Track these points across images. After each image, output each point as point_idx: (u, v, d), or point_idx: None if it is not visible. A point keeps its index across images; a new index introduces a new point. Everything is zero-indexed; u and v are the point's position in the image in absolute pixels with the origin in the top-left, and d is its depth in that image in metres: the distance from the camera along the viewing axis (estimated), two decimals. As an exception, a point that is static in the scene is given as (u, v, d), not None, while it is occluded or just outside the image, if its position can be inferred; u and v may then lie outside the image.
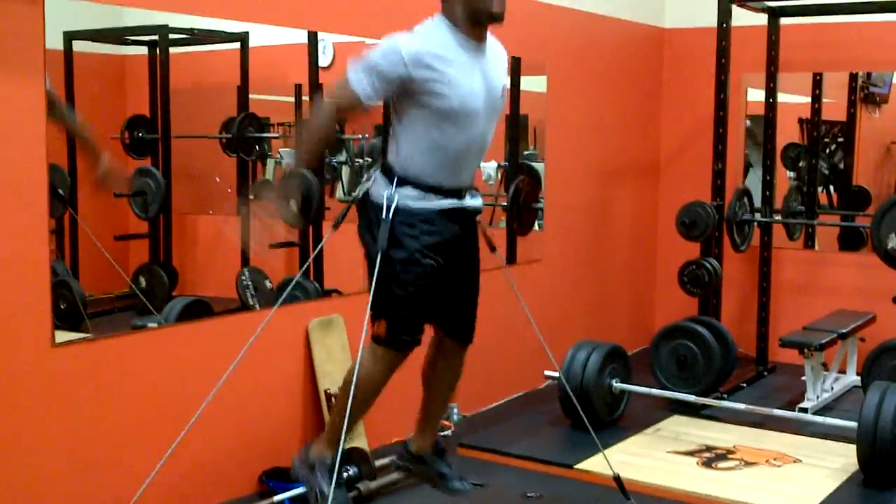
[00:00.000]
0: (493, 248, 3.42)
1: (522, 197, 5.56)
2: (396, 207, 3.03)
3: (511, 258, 5.56)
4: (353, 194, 3.22)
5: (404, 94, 3.00)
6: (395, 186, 3.04)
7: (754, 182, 6.41)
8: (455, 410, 4.93)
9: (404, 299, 3.06)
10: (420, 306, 3.10)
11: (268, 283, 4.95)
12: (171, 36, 4.69)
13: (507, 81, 3.27)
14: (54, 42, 3.98)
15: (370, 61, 2.98)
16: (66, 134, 3.87)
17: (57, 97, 3.58)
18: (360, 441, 4.26)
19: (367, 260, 3.13)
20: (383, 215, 3.02)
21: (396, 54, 2.94)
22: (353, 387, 3.04)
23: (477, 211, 3.24)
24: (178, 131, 5.04)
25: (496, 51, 3.20)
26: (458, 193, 3.12)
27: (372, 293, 3.02)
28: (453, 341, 3.31)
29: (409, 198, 3.04)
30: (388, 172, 3.09)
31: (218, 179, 5.58)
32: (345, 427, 3.05)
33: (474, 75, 3.04)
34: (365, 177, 3.20)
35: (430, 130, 3.01)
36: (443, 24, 3.04)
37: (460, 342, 3.31)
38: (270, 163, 5.70)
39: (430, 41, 2.99)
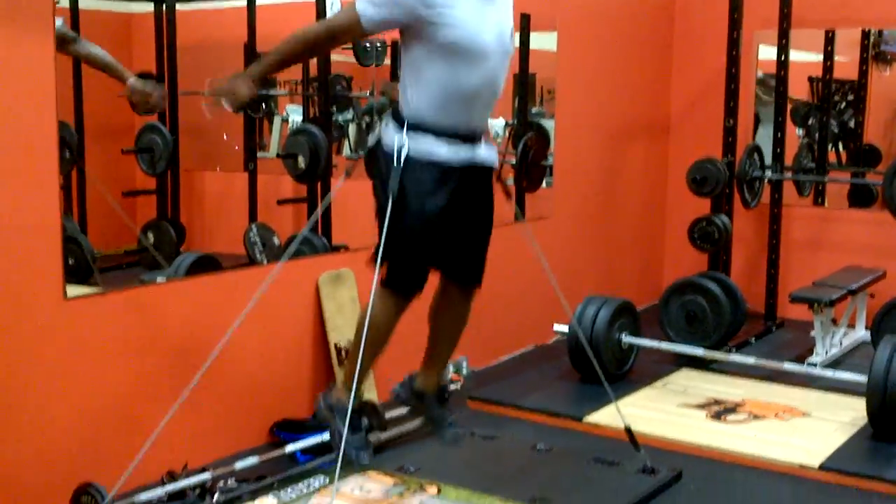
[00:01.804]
0: (509, 196, 3.41)
1: (531, 154, 5.53)
2: (407, 155, 2.99)
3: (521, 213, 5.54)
4: (367, 143, 3.18)
5: (413, 34, 2.96)
6: (407, 131, 3.00)
7: (764, 140, 6.37)
8: (465, 364, 4.94)
9: (409, 246, 3.05)
10: (424, 254, 3.09)
11: (275, 240, 4.94)
12: (178, -9, 4.66)
13: (513, 25, 3.22)
14: (61, -1, 3.96)
15: None
16: (89, 65, 3.87)
17: (70, 32, 3.56)
18: (371, 394, 4.27)
19: (376, 206, 3.11)
20: (394, 163, 2.99)
21: None
22: (364, 327, 3.04)
23: (491, 167, 3.20)
24: (185, 88, 5.02)
25: None
26: (471, 138, 3.08)
27: (382, 239, 2.99)
28: (459, 286, 3.27)
29: (421, 144, 3.00)
30: (399, 117, 3.05)
31: (225, 136, 5.57)
32: (358, 368, 3.06)
33: (483, 13, 3.00)
34: (377, 124, 3.15)
35: (441, 69, 2.95)
36: None
37: (466, 285, 3.27)
38: (277, 120, 5.69)
39: None
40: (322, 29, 3.07)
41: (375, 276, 3.03)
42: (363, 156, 3.23)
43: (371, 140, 3.14)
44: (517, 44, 3.16)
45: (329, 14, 4.80)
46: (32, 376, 3.25)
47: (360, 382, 3.17)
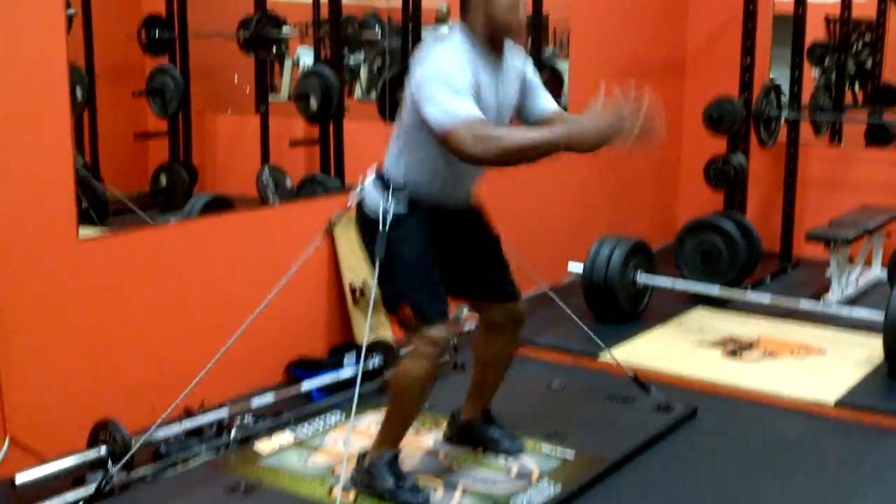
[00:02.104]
0: None
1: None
2: (393, 218, 2.91)
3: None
4: (349, 203, 3.09)
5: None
6: (391, 196, 2.92)
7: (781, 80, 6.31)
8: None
9: (417, 278, 2.94)
10: (436, 279, 2.98)
11: (288, 181, 4.93)
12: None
13: (530, 73, 3.10)
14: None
15: (442, 82, 2.75)
16: None
17: None
18: (386, 332, 4.28)
19: (370, 262, 3.04)
20: (378, 227, 2.92)
21: (463, 70, 2.77)
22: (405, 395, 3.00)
23: (476, 210, 3.16)
24: (196, 30, 4.98)
25: (514, 57, 3.03)
26: (455, 208, 3.05)
27: (382, 294, 2.95)
28: (499, 305, 3.21)
29: (404, 206, 2.93)
30: (384, 180, 2.96)
31: (236, 78, 5.53)
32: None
33: (491, 96, 2.89)
34: (360, 181, 3.06)
35: (441, 150, 2.82)
36: (466, 42, 2.87)
37: (506, 300, 3.21)
38: (288, 63, 5.65)
39: (467, 56, 2.83)
40: (485, 132, 2.74)
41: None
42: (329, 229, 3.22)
43: (351, 199, 3.05)
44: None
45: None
46: (48, 316, 3.26)
47: (401, 437, 3.09)
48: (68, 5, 3.48)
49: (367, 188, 3.00)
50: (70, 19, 3.76)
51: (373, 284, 2.96)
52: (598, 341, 3.93)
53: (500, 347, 3.29)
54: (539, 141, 2.76)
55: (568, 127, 2.86)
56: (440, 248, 3.00)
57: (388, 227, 2.91)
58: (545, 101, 3.13)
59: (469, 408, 3.39)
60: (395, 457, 3.03)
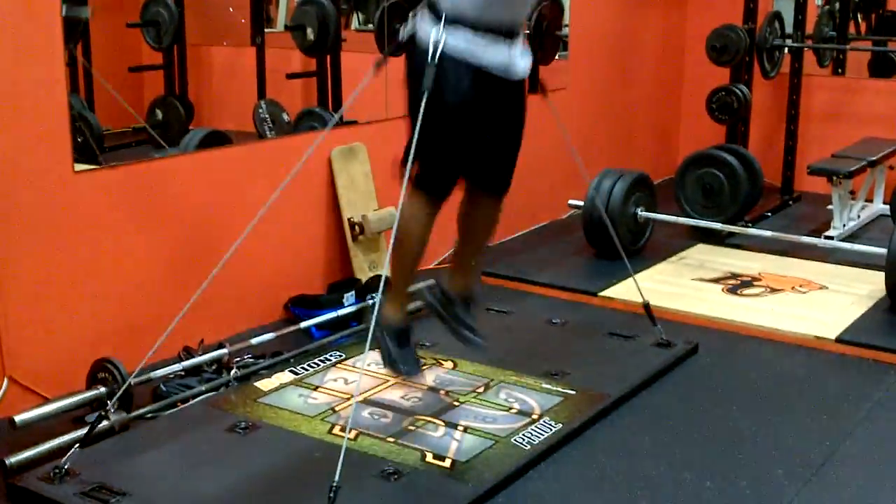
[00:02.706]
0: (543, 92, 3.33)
1: (546, 25, 5.38)
2: (443, 52, 2.82)
3: (534, 87, 5.42)
4: (400, 37, 2.97)
5: None
6: (445, 25, 2.82)
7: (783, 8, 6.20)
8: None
9: (443, 144, 2.91)
10: (457, 154, 2.97)
11: (285, 116, 4.86)
12: None
13: None
14: None
15: None
16: None
17: None
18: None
19: (408, 103, 2.94)
20: (428, 58, 2.83)
21: None
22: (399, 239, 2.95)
23: (524, 77, 3.05)
24: (189, -41, 4.87)
25: None
26: (509, 34, 2.92)
27: (415, 138, 2.84)
28: (487, 193, 3.18)
29: (459, 41, 2.84)
30: (436, 10, 2.86)
31: (231, 9, 5.43)
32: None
33: None
34: (410, 16, 2.97)
35: None
36: None
37: (495, 194, 3.18)
38: (283, -8, 5.53)
39: None
40: None
41: (405, 182, 2.86)
42: (391, 52, 3.05)
43: (403, 34, 2.95)
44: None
45: None
46: (45, 251, 3.23)
47: (404, 295, 3.11)
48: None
49: (419, 21, 2.91)
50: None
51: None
52: (628, 265, 3.84)
53: (480, 219, 3.24)
54: None
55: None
56: (476, 108, 2.93)
57: (438, 59, 2.82)
58: None
59: (451, 281, 3.31)
60: (401, 322, 3.09)
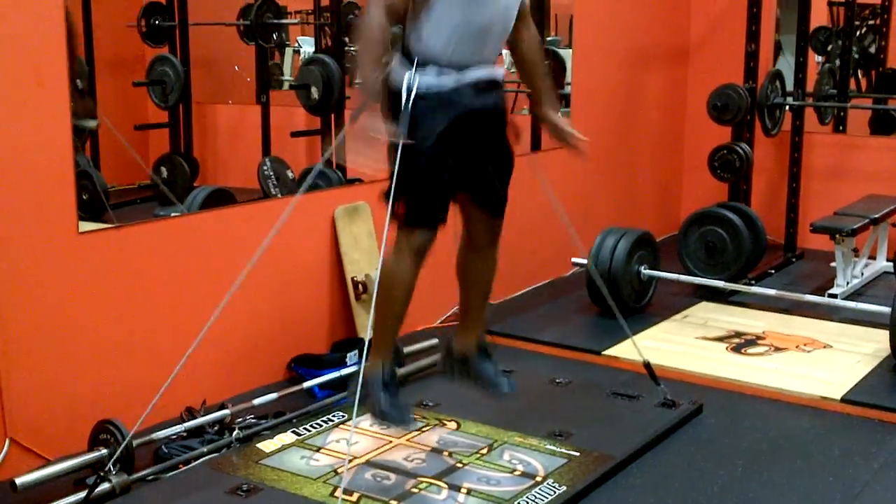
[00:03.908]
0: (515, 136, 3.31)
1: (548, 83, 5.42)
2: (417, 92, 2.89)
3: (536, 145, 5.46)
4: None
5: None
6: (416, 68, 2.90)
7: (784, 69, 6.25)
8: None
9: (424, 174, 2.93)
10: (441, 181, 2.97)
11: (289, 173, 4.89)
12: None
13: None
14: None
15: None
16: None
17: None
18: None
19: (387, 147, 2.96)
20: (402, 99, 2.89)
21: None
22: (384, 287, 2.98)
23: (499, 82, 3.08)
24: (196, 18, 4.94)
25: None
26: (482, 68, 2.98)
27: (393, 180, 2.88)
28: (483, 215, 3.17)
29: (430, 78, 2.91)
30: (408, 55, 2.95)
31: (237, 68, 5.49)
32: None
33: None
34: (384, 61, 3.03)
35: (452, 10, 2.87)
36: None
37: (490, 212, 3.17)
38: (288, 51, 5.60)
39: None
40: (380, 14, 2.84)
41: (385, 230, 2.89)
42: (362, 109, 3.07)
43: (377, 79, 2.96)
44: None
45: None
46: (48, 311, 3.23)
47: (389, 346, 3.09)
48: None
49: (393, 66, 2.97)
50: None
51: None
52: (626, 327, 3.85)
53: (480, 265, 3.24)
54: (361, 70, 2.87)
55: (372, 103, 2.87)
56: (457, 137, 2.96)
57: (412, 100, 2.88)
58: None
59: (462, 337, 3.30)
60: (388, 374, 3.03)
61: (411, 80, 2.89)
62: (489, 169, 3.12)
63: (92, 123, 4.34)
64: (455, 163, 2.99)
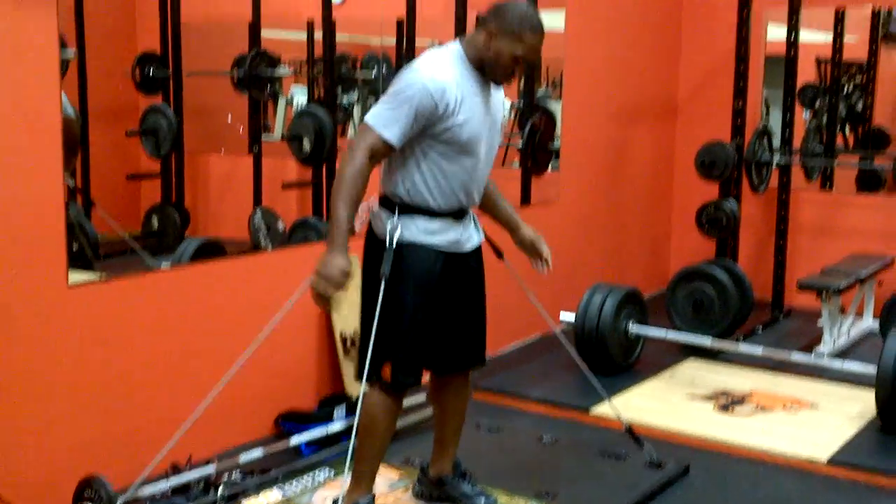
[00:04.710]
0: (499, 255, 3.35)
1: (538, 137, 5.48)
2: (401, 240, 2.95)
3: (525, 199, 5.50)
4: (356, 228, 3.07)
5: (425, 126, 2.90)
6: (398, 216, 2.96)
7: (771, 123, 6.32)
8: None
9: (410, 336, 2.98)
10: (423, 343, 3.03)
11: (280, 225, 4.90)
12: (183, -30, 4.59)
13: (504, 120, 3.24)
14: (64, -23, 3.89)
15: (398, 102, 2.86)
16: None
17: None
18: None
19: (365, 295, 3.04)
20: (386, 245, 2.95)
21: (426, 94, 2.84)
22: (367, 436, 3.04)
23: (477, 249, 3.17)
24: (190, 68, 4.96)
25: (497, 91, 3.12)
26: (461, 215, 3.05)
27: (374, 333, 2.91)
28: (461, 371, 3.26)
29: (413, 229, 2.97)
30: (389, 204, 3.00)
31: (230, 118, 5.51)
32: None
33: (484, 111, 2.99)
34: (365, 209, 3.07)
35: (435, 161, 2.94)
36: (462, 62, 2.95)
37: (472, 368, 3.27)
38: (282, 101, 5.63)
39: (455, 77, 2.91)
40: (363, 158, 2.85)
41: (364, 379, 2.94)
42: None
43: (358, 225, 3.04)
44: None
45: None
46: (35, 366, 3.22)
47: (372, 476, 3.12)
48: (63, 45, 3.45)
49: (374, 211, 3.03)
50: (66, 63, 3.74)
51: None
52: (601, 390, 3.87)
53: (455, 396, 3.30)
54: (335, 214, 2.86)
55: (342, 245, 2.88)
56: (438, 291, 3.02)
57: (394, 246, 2.94)
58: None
59: (437, 462, 3.35)
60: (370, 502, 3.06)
61: (395, 227, 2.95)
62: (468, 328, 3.18)
63: (68, 52, 4.24)
64: (436, 322, 3.03)
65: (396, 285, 2.94)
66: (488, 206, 3.29)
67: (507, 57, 2.91)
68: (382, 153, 2.89)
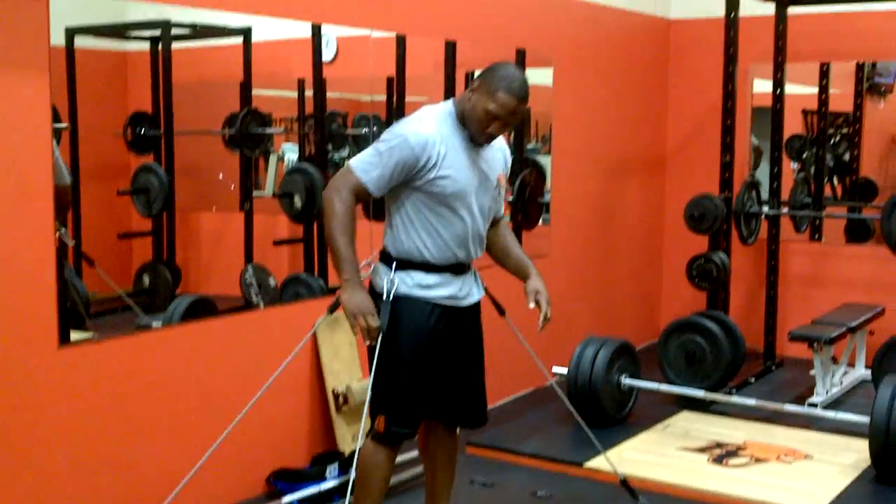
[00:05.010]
0: (501, 312, 3.38)
1: (528, 191, 5.51)
2: (397, 293, 3.00)
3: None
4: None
5: (407, 177, 2.97)
6: (396, 270, 3.01)
7: (761, 173, 6.37)
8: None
9: (404, 388, 3.02)
10: (420, 395, 3.07)
11: (271, 281, 4.90)
12: (174, 31, 4.65)
13: (506, 172, 3.24)
14: (56, 38, 3.93)
15: (382, 152, 2.94)
16: None
17: None
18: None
19: (367, 351, 3.07)
20: (384, 297, 2.99)
21: (409, 146, 2.91)
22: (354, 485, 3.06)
23: (476, 305, 3.20)
24: (181, 127, 4.99)
25: (495, 146, 3.17)
26: (460, 270, 3.09)
27: (371, 383, 2.97)
28: (458, 427, 3.30)
29: (412, 283, 3.02)
30: (388, 259, 3.06)
31: (221, 176, 5.54)
32: None
33: (472, 166, 3.04)
34: (364, 264, 3.12)
35: (426, 216, 3.00)
36: (451, 119, 3.03)
37: (473, 427, 3.31)
38: (273, 158, 5.66)
39: (440, 131, 2.98)
40: (349, 195, 2.94)
41: (362, 425, 2.96)
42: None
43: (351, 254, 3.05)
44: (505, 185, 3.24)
45: (324, 53, 4.82)
46: (28, 425, 3.20)
47: None
48: (57, 119, 3.49)
49: (374, 266, 3.09)
50: (59, 133, 3.77)
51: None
52: (597, 444, 3.85)
53: (445, 451, 3.32)
54: (335, 247, 2.92)
55: (354, 276, 2.93)
56: (434, 345, 3.04)
57: (390, 299, 2.98)
58: (499, 204, 3.27)
59: None
60: None
61: (392, 280, 3.00)
62: (467, 386, 3.20)
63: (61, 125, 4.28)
64: (433, 377, 3.07)
65: (392, 338, 2.97)
66: (499, 256, 3.31)
67: (481, 111, 2.96)
68: (363, 196, 2.96)
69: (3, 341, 3.12)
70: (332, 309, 3.15)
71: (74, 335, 3.54)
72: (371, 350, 3.01)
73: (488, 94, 2.94)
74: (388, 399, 3.02)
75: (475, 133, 3.01)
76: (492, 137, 3.04)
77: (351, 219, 2.92)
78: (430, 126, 2.96)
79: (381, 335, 2.95)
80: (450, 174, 2.96)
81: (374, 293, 3.04)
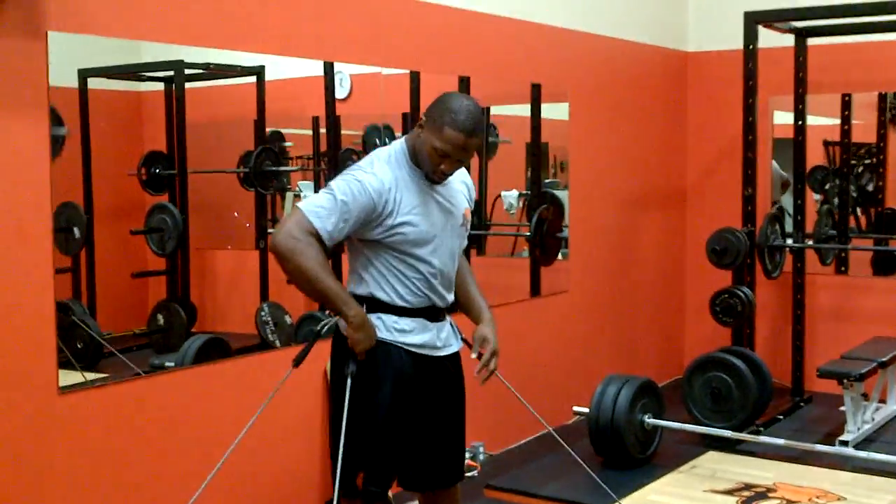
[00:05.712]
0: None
1: (546, 226, 5.44)
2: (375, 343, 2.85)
3: (535, 290, 5.43)
4: (317, 328, 3.03)
5: (363, 226, 2.81)
6: (367, 313, 2.84)
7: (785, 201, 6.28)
8: (481, 449, 4.77)
9: (380, 439, 2.86)
10: (395, 449, 2.90)
11: (287, 319, 4.84)
12: (187, 71, 4.65)
13: (471, 204, 3.09)
14: (69, 80, 3.92)
15: (335, 198, 2.77)
16: None
17: None
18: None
19: (332, 403, 2.93)
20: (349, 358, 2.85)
21: (364, 193, 2.76)
22: None
23: (456, 354, 3.05)
24: (196, 166, 4.97)
25: (456, 179, 3.02)
26: (435, 317, 2.95)
27: (342, 442, 2.78)
28: (441, 489, 3.09)
29: (381, 325, 2.87)
30: (357, 300, 2.89)
31: (236, 214, 5.50)
32: None
33: (433, 207, 2.90)
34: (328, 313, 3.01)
35: (392, 262, 2.86)
36: (404, 159, 2.88)
37: (447, 486, 3.09)
38: (289, 196, 5.62)
39: (394, 174, 2.84)
40: (309, 237, 2.73)
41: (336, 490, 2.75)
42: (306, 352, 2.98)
43: (322, 327, 2.98)
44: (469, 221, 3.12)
45: (338, 90, 4.78)
46: (26, 475, 3.13)
47: None
48: (60, 122, 3.44)
49: (340, 319, 2.90)
50: (61, 140, 3.72)
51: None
52: (609, 491, 3.75)
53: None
54: (324, 288, 2.75)
55: (359, 310, 2.80)
56: (412, 395, 2.90)
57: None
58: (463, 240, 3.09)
59: None
60: None
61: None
62: (445, 438, 3.03)
63: (62, 130, 4.22)
64: (412, 427, 2.91)
65: (367, 385, 2.82)
66: (457, 294, 3.11)
67: (429, 149, 2.81)
68: (319, 237, 2.76)
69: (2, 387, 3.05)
70: (298, 362, 2.97)
71: (88, 375, 3.48)
72: (336, 401, 2.84)
73: (435, 131, 2.78)
74: (366, 453, 2.84)
75: (428, 172, 2.85)
76: (445, 175, 2.88)
77: (325, 256, 2.75)
78: (383, 170, 2.81)
79: (349, 381, 2.77)
80: (409, 219, 2.81)
81: (342, 337, 2.86)
